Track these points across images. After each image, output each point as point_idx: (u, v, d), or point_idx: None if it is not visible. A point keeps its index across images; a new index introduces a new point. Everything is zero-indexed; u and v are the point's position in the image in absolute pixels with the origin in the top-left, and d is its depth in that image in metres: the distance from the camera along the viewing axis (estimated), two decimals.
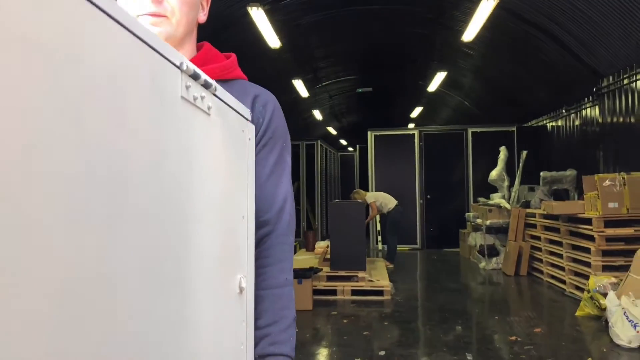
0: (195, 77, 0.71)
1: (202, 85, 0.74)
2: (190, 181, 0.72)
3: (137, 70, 0.59)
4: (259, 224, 1.04)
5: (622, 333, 4.17)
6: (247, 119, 0.98)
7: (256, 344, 1.00)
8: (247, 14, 6.65)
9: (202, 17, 1.10)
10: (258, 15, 6.65)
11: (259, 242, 1.04)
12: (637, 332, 4.09)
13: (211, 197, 0.81)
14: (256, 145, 1.05)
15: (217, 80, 0.88)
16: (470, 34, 7.61)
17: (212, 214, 0.80)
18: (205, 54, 1.09)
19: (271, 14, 6.94)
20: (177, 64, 0.67)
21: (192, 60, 1.05)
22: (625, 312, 4.24)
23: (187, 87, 0.69)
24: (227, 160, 0.88)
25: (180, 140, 0.69)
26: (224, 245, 0.86)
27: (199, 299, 0.76)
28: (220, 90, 0.82)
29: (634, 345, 4.08)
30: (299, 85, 10.87)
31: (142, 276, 0.59)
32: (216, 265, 0.83)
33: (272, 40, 7.53)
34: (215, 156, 0.82)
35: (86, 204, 0.49)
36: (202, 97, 0.74)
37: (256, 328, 1.01)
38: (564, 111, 9.21)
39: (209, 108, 0.77)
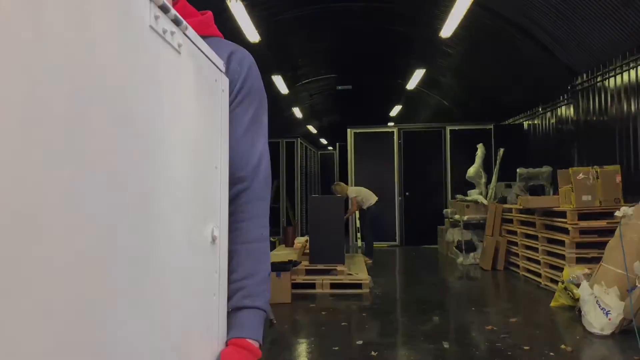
0: (164, 9, 0.70)
1: (172, 20, 0.74)
2: (160, 117, 0.72)
3: None
4: (235, 180, 1.03)
5: (595, 321, 4.26)
6: (220, 70, 0.98)
7: (230, 297, 1.00)
8: (227, 8, 6.62)
9: None
10: (237, 9, 6.63)
11: (235, 198, 1.04)
12: (609, 319, 4.17)
13: (182, 139, 0.80)
14: (231, 102, 1.05)
15: None
16: (448, 30, 7.68)
17: (182, 156, 0.80)
18: (181, 8, 1.09)
19: (250, 9, 6.92)
20: None
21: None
22: (597, 301, 4.32)
23: (156, 18, 0.68)
24: (199, 107, 0.87)
25: (149, 72, 0.69)
26: (195, 191, 0.86)
27: (168, 238, 0.75)
28: (192, 32, 0.82)
29: (606, 332, 4.17)
30: (279, 82, 10.85)
31: (110, 209, 0.58)
32: (187, 211, 0.83)
33: (251, 34, 7.51)
34: (186, 99, 0.82)
35: (52, 136, 0.48)
36: (172, 33, 0.74)
37: (231, 282, 1.00)
38: (540, 109, 9.37)
39: (179, 46, 0.76)
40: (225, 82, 0.99)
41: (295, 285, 5.91)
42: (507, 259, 7.66)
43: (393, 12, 8.69)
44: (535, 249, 6.54)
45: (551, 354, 3.79)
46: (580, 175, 5.62)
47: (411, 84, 11.95)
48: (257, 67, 1.11)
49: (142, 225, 0.65)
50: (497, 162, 8.78)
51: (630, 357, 3.70)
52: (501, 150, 8.81)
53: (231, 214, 1.02)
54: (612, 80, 6.71)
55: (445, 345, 4.07)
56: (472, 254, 8.30)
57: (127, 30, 0.62)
